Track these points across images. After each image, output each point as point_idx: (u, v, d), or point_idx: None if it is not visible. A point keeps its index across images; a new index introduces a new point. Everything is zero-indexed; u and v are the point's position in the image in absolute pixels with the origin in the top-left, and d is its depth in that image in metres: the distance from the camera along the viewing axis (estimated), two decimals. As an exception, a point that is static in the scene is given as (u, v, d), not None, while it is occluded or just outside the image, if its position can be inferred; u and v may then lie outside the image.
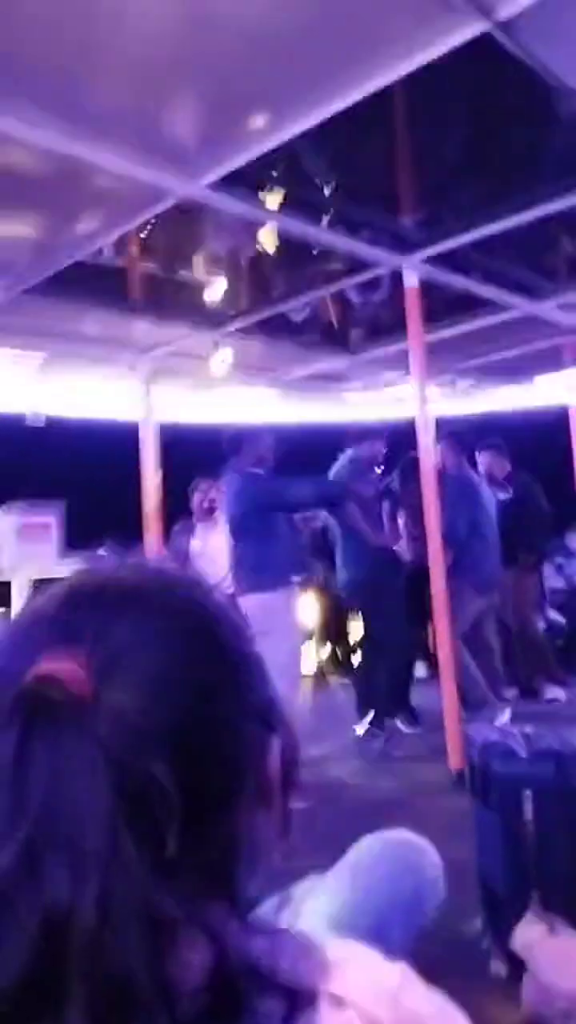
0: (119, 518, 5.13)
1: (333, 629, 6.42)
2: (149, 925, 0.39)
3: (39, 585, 5.11)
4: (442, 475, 4.55)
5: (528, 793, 1.88)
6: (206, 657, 0.51)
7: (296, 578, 4.05)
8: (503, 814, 1.92)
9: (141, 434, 5.35)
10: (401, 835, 1.27)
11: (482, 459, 5.59)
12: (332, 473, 4.99)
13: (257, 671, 0.55)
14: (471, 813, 2.12)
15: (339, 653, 6.50)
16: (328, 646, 6.58)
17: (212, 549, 5.02)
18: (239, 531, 4.09)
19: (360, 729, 4.62)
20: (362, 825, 1.43)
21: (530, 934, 1.78)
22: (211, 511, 5.32)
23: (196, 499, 5.48)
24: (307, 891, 1.10)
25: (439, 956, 1.98)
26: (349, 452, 5.02)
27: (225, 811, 0.48)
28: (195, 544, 5.40)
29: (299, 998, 0.41)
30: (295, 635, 4.06)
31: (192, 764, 0.45)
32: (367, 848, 1.21)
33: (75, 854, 0.39)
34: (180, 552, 5.28)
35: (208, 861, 0.45)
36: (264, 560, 3.95)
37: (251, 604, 3.74)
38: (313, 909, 1.03)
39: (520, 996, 1.69)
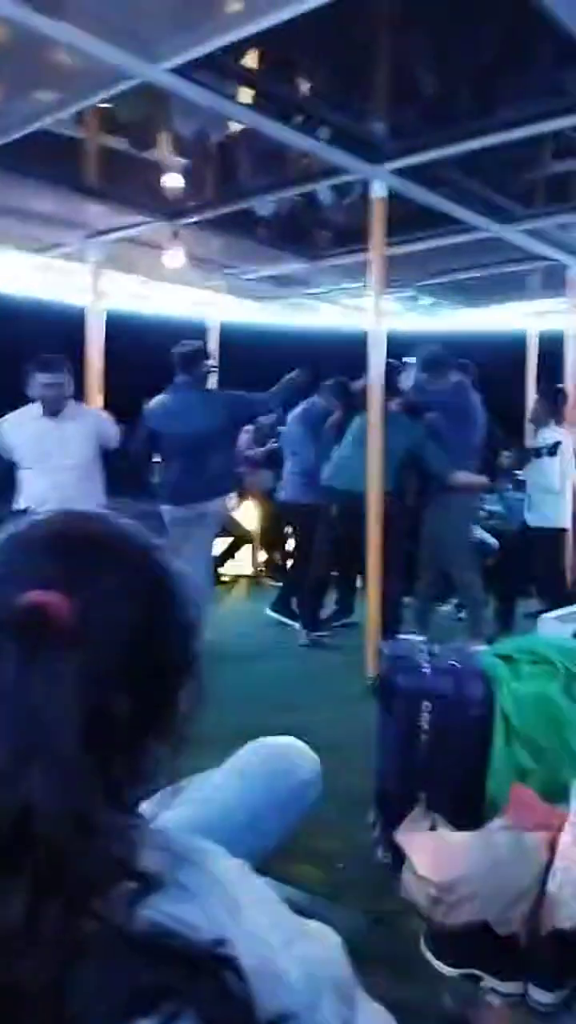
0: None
1: (271, 535, 6.52)
2: (82, 822, 0.50)
3: None
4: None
5: (427, 704, 2.03)
6: (162, 612, 0.61)
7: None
8: (402, 722, 2.06)
9: (88, 320, 5.27)
10: (282, 741, 1.42)
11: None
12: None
13: (194, 626, 0.64)
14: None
15: (276, 558, 6.64)
16: (266, 552, 6.71)
17: (70, 458, 3.85)
18: (206, 446, 4.28)
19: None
20: (281, 721, 1.55)
21: (413, 829, 1.97)
22: (58, 407, 3.91)
23: (41, 389, 3.86)
24: (199, 784, 1.22)
25: (333, 844, 2.17)
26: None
27: (143, 742, 0.59)
28: (38, 448, 3.89)
29: (149, 881, 0.52)
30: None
31: (137, 702, 0.56)
32: (250, 751, 1.35)
33: (49, 765, 0.49)
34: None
35: (118, 781, 0.56)
36: (226, 471, 4.52)
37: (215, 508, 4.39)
38: (200, 799, 1.16)
39: (400, 881, 1.88)
